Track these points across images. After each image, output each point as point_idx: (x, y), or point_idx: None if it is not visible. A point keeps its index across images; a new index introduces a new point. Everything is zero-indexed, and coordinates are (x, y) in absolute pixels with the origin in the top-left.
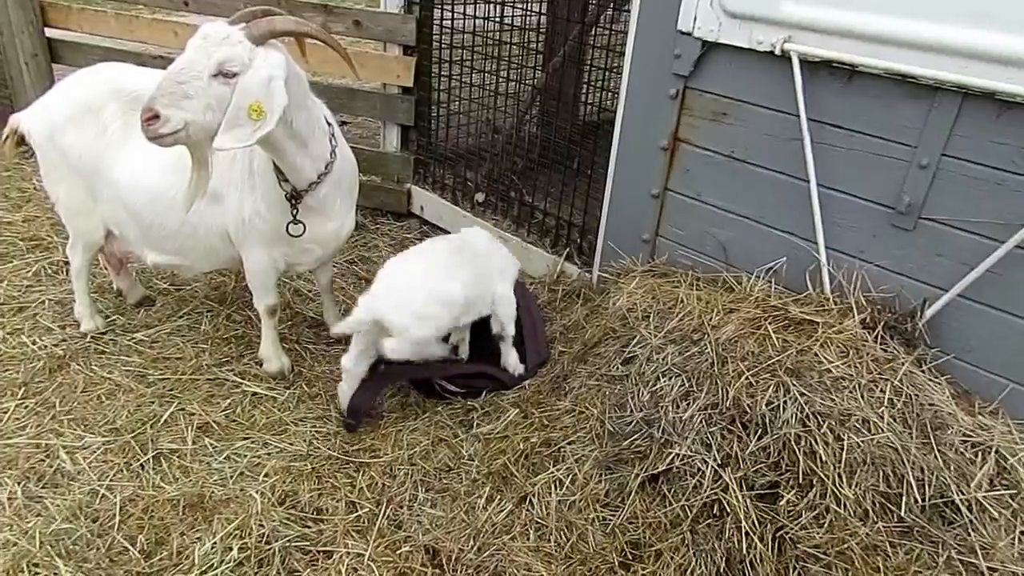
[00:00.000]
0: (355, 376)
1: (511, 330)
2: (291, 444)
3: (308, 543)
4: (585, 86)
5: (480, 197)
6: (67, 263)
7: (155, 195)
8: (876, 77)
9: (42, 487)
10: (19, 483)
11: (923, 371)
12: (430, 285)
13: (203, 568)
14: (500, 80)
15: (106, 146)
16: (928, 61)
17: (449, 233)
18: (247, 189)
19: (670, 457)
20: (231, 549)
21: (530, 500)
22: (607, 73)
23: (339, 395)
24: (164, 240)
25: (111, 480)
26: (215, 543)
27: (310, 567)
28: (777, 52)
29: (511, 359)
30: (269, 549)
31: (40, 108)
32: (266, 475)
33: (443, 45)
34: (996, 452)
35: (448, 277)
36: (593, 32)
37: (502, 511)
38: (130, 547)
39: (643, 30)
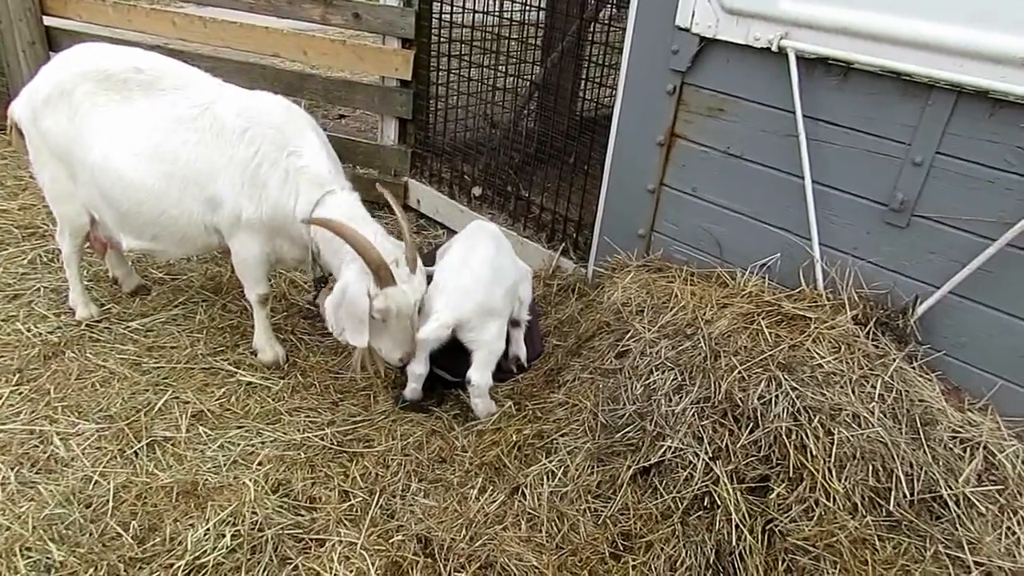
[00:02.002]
0: (422, 378)
1: (526, 315)
2: (285, 433)
3: (301, 531)
4: (583, 82)
5: (477, 191)
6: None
7: (129, 184)
8: (872, 75)
9: (35, 473)
10: (12, 468)
11: (914, 367)
12: (496, 279)
13: (196, 554)
14: (498, 75)
15: (79, 129)
16: (923, 59)
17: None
18: (249, 197)
19: (662, 450)
20: (224, 536)
21: (522, 491)
22: (605, 69)
23: (408, 395)
24: (142, 227)
25: (104, 467)
26: (208, 530)
27: (303, 555)
28: (774, 49)
29: (522, 348)
30: (262, 536)
31: (25, 94)
32: (259, 463)
33: (442, 39)
34: (984, 448)
35: (505, 267)
36: (592, 28)
37: (494, 502)
38: (123, 533)
39: (641, 25)
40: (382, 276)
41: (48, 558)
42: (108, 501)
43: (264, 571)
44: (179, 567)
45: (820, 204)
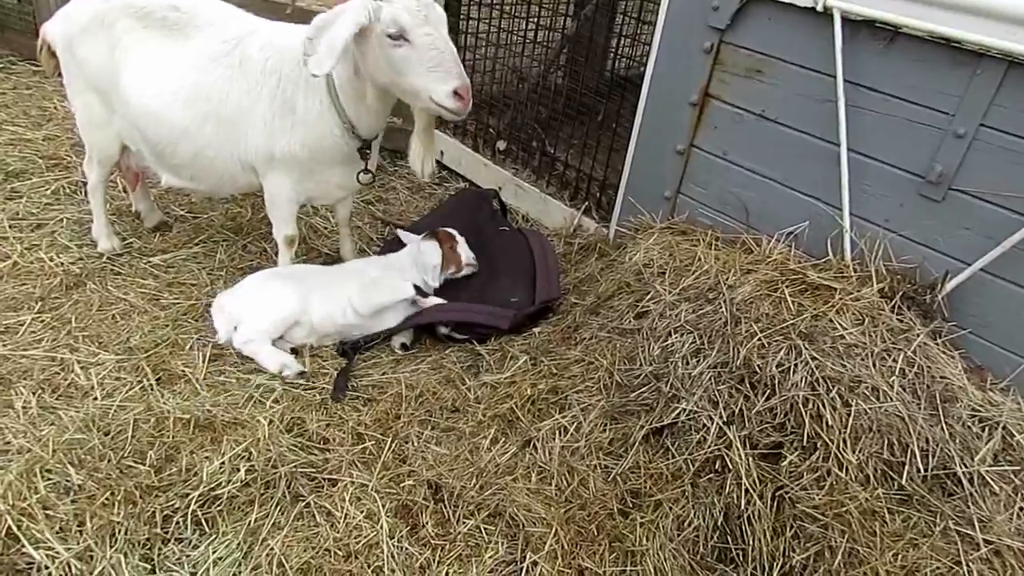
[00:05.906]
0: None
1: None
2: (300, 374)
3: (314, 470)
4: (616, 38)
5: (502, 145)
6: (86, 183)
7: (165, 122)
8: (919, 40)
9: (56, 398)
10: (34, 393)
11: (938, 344)
12: None
13: (211, 485)
14: (530, 26)
15: (118, 63)
16: (975, 25)
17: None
18: (281, 128)
19: (676, 411)
20: (239, 470)
21: (534, 444)
22: (640, 25)
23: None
24: (179, 166)
25: (123, 397)
26: (223, 463)
27: (315, 493)
28: (819, 8)
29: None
30: (276, 473)
31: (62, 16)
32: (275, 401)
33: None
34: (1003, 428)
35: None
36: None
37: (506, 453)
38: (140, 461)
39: None
40: None
41: (68, 480)
42: (126, 430)
43: (276, 506)
44: (194, 497)
45: (854, 173)
